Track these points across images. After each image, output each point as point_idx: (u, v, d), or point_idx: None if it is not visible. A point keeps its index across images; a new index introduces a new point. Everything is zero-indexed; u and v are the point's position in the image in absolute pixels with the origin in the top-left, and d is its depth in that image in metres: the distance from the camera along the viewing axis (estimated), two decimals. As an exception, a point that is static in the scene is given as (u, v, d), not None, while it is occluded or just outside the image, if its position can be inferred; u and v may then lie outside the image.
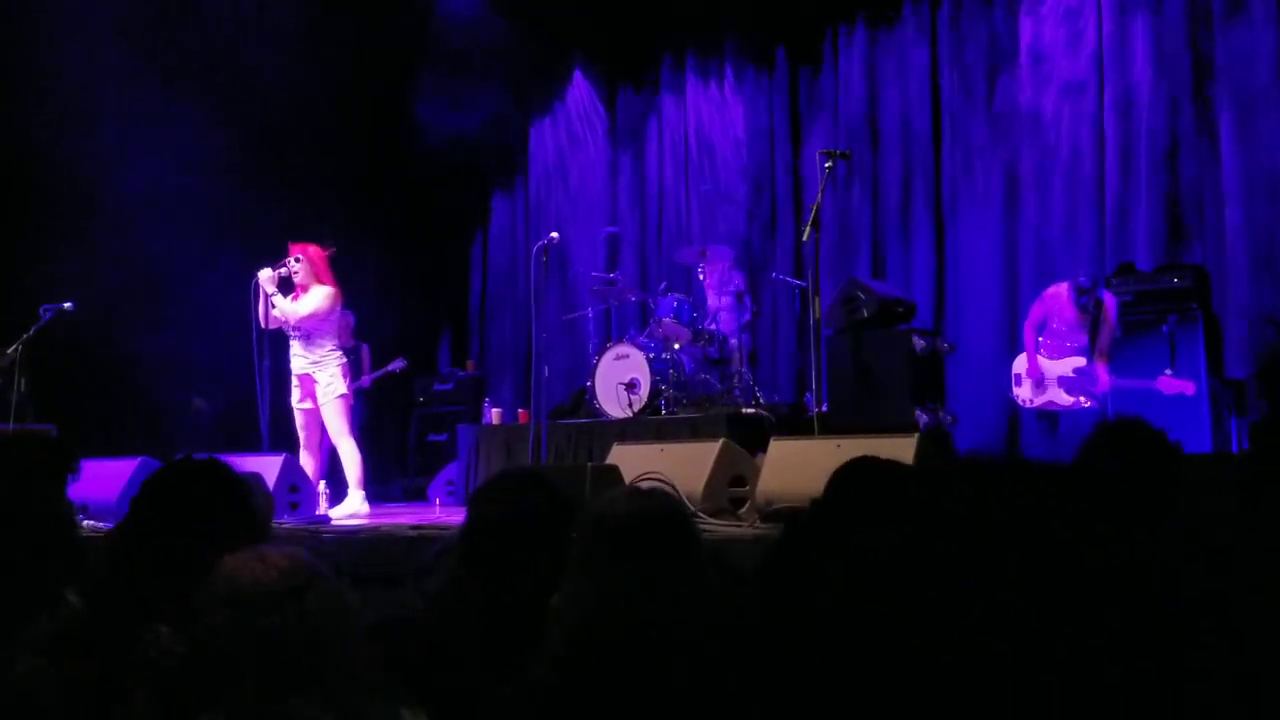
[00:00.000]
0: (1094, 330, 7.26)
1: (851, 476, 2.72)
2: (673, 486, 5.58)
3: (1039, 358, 7.43)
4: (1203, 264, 8.02)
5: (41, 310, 7.81)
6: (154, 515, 2.40)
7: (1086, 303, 7.23)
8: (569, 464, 7.34)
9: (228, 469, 2.49)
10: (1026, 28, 9.03)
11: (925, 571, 1.18)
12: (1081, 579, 1.04)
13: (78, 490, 3.25)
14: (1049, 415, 7.50)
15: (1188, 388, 7.01)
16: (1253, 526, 1.05)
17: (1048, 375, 7.38)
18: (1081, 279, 7.27)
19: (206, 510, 2.37)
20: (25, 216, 8.83)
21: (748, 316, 8.60)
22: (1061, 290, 7.40)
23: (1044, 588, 1.06)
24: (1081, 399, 7.31)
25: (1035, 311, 7.59)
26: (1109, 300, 7.34)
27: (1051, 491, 1.14)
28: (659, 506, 2.19)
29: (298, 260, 7.22)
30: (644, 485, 3.91)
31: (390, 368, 9.79)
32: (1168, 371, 7.13)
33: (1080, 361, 7.29)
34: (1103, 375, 7.22)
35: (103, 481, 6.48)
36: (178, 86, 9.24)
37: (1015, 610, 1.06)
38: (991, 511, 1.15)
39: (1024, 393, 7.54)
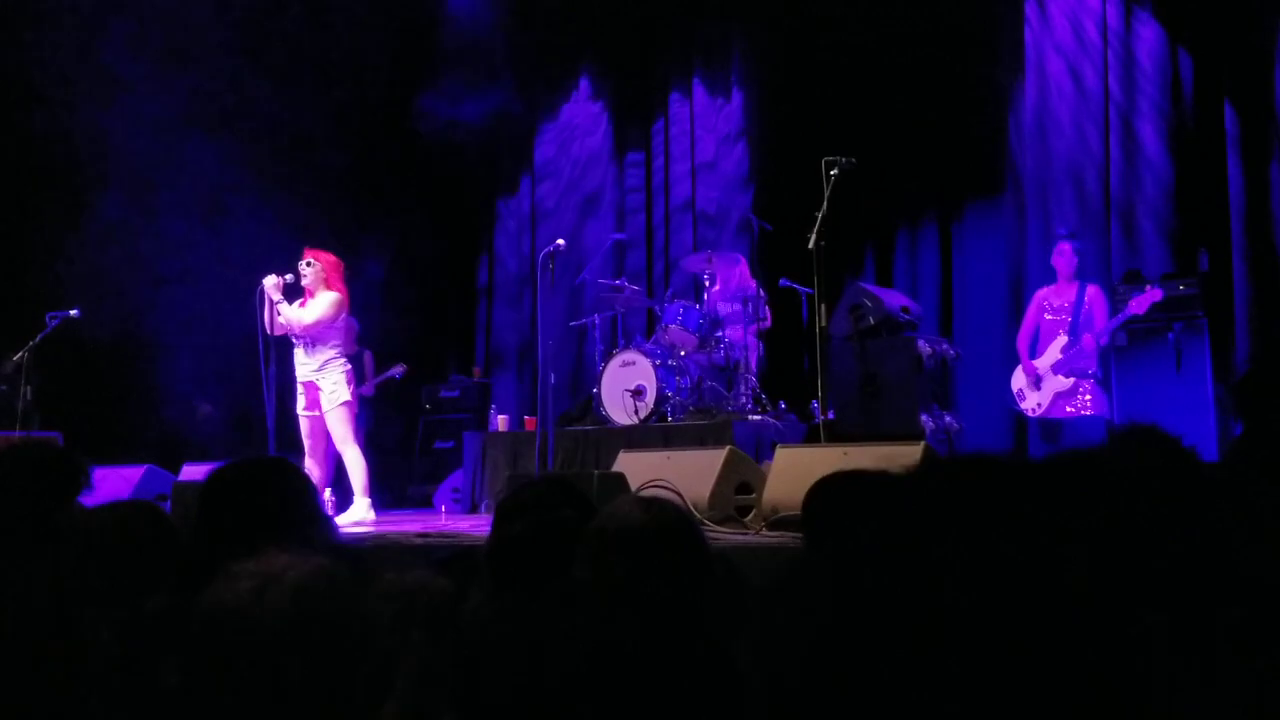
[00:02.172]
0: (1079, 300, 7.33)
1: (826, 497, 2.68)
2: (678, 494, 5.58)
3: (1034, 363, 7.46)
4: (1209, 272, 8.00)
5: (48, 317, 7.82)
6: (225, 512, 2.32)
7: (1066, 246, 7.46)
8: (575, 471, 7.33)
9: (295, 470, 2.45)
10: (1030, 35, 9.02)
11: (919, 580, 1.17)
12: (1082, 582, 1.03)
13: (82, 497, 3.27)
14: (1052, 424, 7.46)
15: (1155, 295, 7.09)
16: (1253, 527, 1.04)
17: (1041, 370, 7.39)
18: (1060, 230, 7.68)
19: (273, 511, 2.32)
20: (29, 221, 8.86)
21: (754, 324, 8.58)
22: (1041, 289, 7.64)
23: (1044, 590, 1.05)
24: (1084, 397, 7.26)
25: (1027, 319, 7.64)
26: (1093, 289, 7.39)
27: (1042, 493, 1.13)
28: (666, 519, 2.14)
29: (309, 265, 7.18)
30: (647, 494, 3.84)
31: (390, 373, 9.78)
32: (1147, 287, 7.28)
33: (1064, 339, 7.32)
34: (1088, 343, 7.23)
35: (109, 489, 6.49)
36: (182, 91, 9.27)
37: (1014, 614, 1.05)
38: (984, 516, 1.14)
39: (1029, 404, 7.52)
